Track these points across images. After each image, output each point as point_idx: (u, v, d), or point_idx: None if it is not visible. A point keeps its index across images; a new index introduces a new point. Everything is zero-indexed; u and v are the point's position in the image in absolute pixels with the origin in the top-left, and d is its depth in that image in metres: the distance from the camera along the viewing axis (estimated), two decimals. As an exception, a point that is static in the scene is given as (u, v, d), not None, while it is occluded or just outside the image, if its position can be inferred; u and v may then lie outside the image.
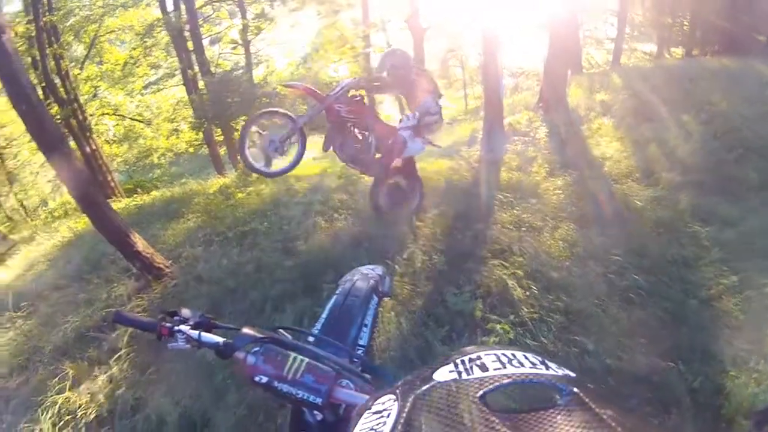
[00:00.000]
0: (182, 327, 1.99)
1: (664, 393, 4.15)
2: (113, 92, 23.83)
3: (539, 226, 6.48)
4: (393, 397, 1.03)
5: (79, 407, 5.30)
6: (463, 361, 1.07)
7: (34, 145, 24.16)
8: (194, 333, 1.94)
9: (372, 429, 0.94)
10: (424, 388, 0.99)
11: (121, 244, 6.93)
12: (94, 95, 23.22)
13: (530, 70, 22.58)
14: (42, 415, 5.26)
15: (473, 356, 1.09)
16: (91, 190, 6.85)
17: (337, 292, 2.54)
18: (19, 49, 15.32)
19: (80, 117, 19.51)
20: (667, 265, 5.74)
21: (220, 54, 22.02)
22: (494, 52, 9.54)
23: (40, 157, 24.79)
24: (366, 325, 2.38)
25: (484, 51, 9.67)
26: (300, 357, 1.72)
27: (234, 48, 20.25)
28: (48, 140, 6.34)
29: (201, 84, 18.43)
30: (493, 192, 7.52)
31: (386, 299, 4.43)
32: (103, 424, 5.19)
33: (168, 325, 2.00)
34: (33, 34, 17.46)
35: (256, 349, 1.77)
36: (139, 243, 7.00)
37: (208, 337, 1.93)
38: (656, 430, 1.13)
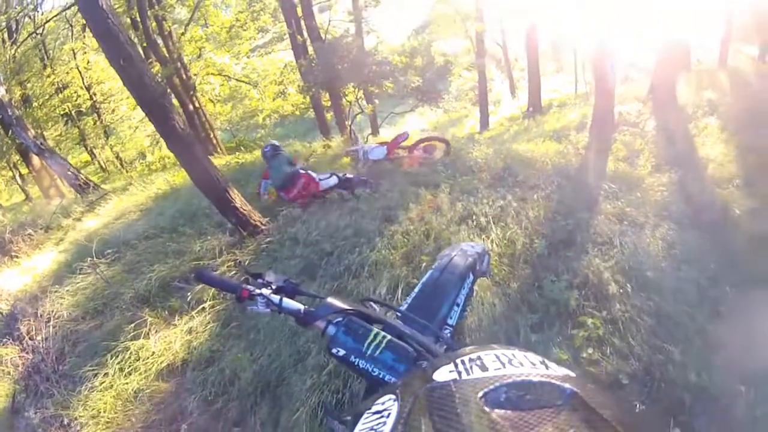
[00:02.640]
0: (264, 291, 1.97)
1: (728, 415, 3.82)
2: (218, 54, 24.14)
3: (641, 222, 6.08)
4: (393, 397, 1.04)
5: (152, 355, 5.24)
6: (463, 361, 1.08)
7: (132, 100, 25.08)
8: (275, 298, 1.93)
9: (372, 429, 0.95)
10: (424, 388, 0.99)
11: (219, 200, 6.92)
12: (199, 56, 23.57)
13: (641, 61, 22.08)
14: (111, 359, 5.24)
15: (473, 356, 1.10)
16: (192, 145, 6.81)
17: (434, 266, 2.47)
18: (117, 10, 15.55)
19: (184, 76, 19.86)
20: (758, 282, 5.39)
21: (330, 21, 21.91)
22: (607, 39, 9.29)
23: (139, 113, 25.51)
24: (458, 304, 2.29)
25: (596, 39, 9.36)
26: (382, 333, 1.69)
27: (351, 18, 20.14)
28: (147, 95, 6.29)
29: (310, 50, 18.30)
30: (599, 181, 7.20)
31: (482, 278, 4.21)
32: (173, 373, 5.14)
33: (250, 287, 1.99)
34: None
35: (338, 320, 1.77)
36: (237, 199, 6.96)
37: (289, 303, 1.92)
38: (656, 429, 1.05)
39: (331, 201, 7.48)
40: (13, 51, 22.27)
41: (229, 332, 5.45)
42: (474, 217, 6.37)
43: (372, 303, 2.01)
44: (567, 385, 0.92)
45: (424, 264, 5.41)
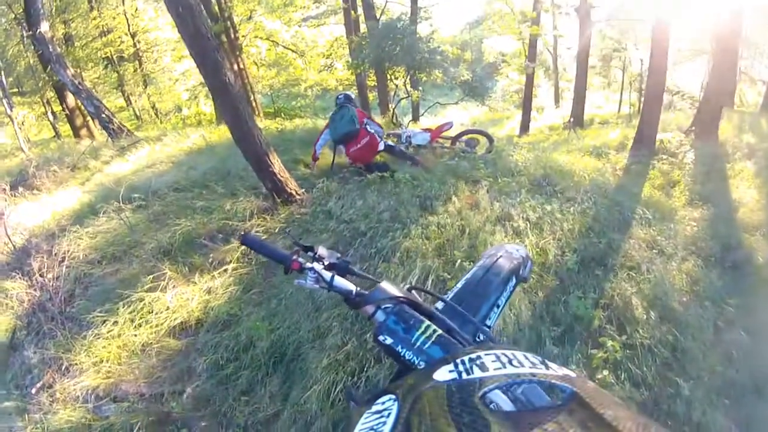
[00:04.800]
0: (315, 265, 1.92)
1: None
2: (269, 18, 24.22)
3: (670, 252, 6.07)
4: (393, 397, 1.03)
5: (166, 309, 5.17)
6: (463, 361, 1.08)
7: (177, 53, 25.01)
8: (327, 274, 1.87)
9: (372, 429, 0.94)
10: (424, 388, 0.99)
11: (258, 162, 6.78)
12: (249, 18, 23.58)
13: (687, 92, 21.99)
14: (122, 308, 5.18)
15: (473, 356, 1.10)
16: (239, 103, 6.63)
17: (478, 264, 2.39)
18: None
19: (232, 36, 19.77)
20: (773, 333, 5.49)
21: (386, 1, 21.81)
22: (662, 65, 9.45)
23: (181, 66, 25.56)
24: (498, 306, 2.21)
25: (651, 64, 9.34)
26: (433, 327, 1.61)
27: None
28: (202, 47, 6.15)
29: (363, 28, 18.27)
30: (634, 205, 7.18)
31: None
32: (186, 332, 5.09)
33: (301, 260, 1.96)
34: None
35: (389, 306, 1.71)
36: (276, 164, 6.86)
37: (341, 282, 1.86)
38: (656, 429, 0.82)
39: (369, 182, 7.31)
40: (61, -12, 22.22)
41: (249, 298, 5.37)
42: (511, 220, 6.28)
43: (417, 291, 1.92)
44: (567, 385, 0.93)
45: (457, 260, 5.31)
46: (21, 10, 17.23)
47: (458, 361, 1.07)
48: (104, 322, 5.08)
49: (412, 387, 1.02)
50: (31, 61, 20.73)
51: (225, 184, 7.93)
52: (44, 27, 15.44)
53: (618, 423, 0.78)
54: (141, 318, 5.09)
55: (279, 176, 6.86)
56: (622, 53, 26.50)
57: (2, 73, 16.54)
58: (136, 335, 4.92)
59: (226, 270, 5.71)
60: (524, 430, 0.76)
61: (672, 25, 10.06)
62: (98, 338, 4.95)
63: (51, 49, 15.49)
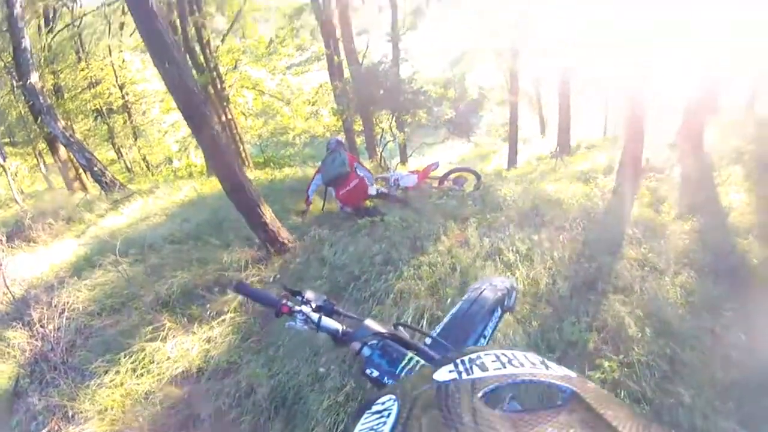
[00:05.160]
0: (304, 308, 2.07)
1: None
2: (254, 67, 24.42)
3: (662, 268, 6.12)
4: (393, 397, 1.03)
5: (167, 359, 5.26)
6: (463, 361, 1.08)
7: (165, 105, 25.11)
8: (315, 316, 2.03)
9: (372, 429, 0.94)
10: (424, 388, 0.99)
11: (250, 213, 6.93)
12: (235, 67, 23.76)
13: (673, 104, 22.02)
14: (124, 358, 5.26)
15: (473, 356, 1.10)
16: (228, 156, 6.84)
17: (464, 298, 2.52)
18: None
19: (218, 86, 19.93)
20: (770, 331, 5.46)
21: (367, 46, 22.01)
22: (641, 84, 9.32)
23: (170, 117, 25.66)
24: (485, 337, 2.33)
25: (628, 84, 9.43)
26: (416, 358, 1.74)
27: (388, 39, 20.23)
28: (189, 100, 6.32)
29: (346, 73, 18.42)
30: (624, 226, 7.25)
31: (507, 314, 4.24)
32: (188, 380, 5.15)
33: (290, 304, 2.09)
34: (173, -1, 17.79)
35: (374, 342, 1.85)
36: (267, 215, 7.00)
37: (328, 322, 2.01)
38: (656, 429, 0.87)
39: (359, 227, 7.44)
40: (48, 39, 22.50)
41: (248, 346, 5.49)
42: (501, 254, 6.40)
43: (403, 327, 2.04)
44: (567, 385, 0.94)
45: (449, 298, 5.40)
46: (10, 59, 17.37)
47: (458, 361, 1.09)
48: (106, 371, 5.17)
49: (412, 387, 1.02)
50: (22, 112, 20.83)
51: (219, 235, 8.08)
52: (34, 78, 15.62)
53: (618, 423, 0.81)
54: (143, 367, 5.17)
55: (271, 226, 7.00)
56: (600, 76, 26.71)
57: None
58: (138, 384, 4.98)
59: (224, 320, 5.82)
60: (524, 430, 0.78)
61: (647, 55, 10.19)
62: (101, 387, 5.01)
63: (42, 101, 15.65)
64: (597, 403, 0.86)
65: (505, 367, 1.01)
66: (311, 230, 7.62)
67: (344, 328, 1.99)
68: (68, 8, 23.24)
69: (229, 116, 19.84)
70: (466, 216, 7.63)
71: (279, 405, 4.60)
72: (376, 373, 1.73)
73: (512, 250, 6.40)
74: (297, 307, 2.07)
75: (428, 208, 8.17)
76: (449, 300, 5.39)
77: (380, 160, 14.73)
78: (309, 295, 2.16)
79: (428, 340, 2.15)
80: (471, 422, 0.80)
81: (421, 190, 9.81)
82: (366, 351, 1.83)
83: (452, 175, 10.56)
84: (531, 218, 7.45)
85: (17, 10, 15.33)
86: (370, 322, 1.89)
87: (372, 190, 8.59)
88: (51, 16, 22.59)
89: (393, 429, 0.88)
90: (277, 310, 2.09)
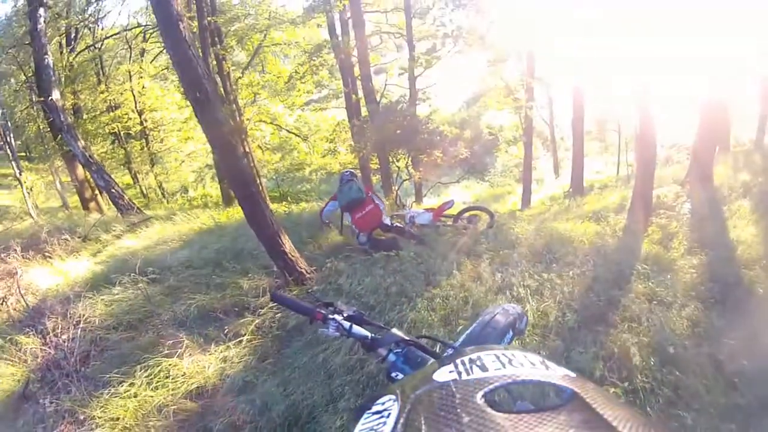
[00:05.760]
0: (336, 316, 2.26)
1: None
2: (273, 102, 24.57)
3: (669, 301, 6.15)
4: (393, 397, 1.03)
5: (183, 375, 5.31)
6: (463, 362, 1.09)
7: (183, 134, 25.22)
8: (346, 324, 2.21)
9: (372, 429, 0.95)
10: (424, 388, 1.00)
11: (270, 242, 7.05)
12: (254, 101, 23.85)
13: (682, 144, 22.00)
14: (140, 371, 5.30)
15: (473, 356, 1.11)
16: (252, 185, 6.97)
17: (477, 321, 2.57)
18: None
19: (237, 119, 20.01)
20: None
21: (385, 85, 22.20)
22: (651, 124, 9.47)
23: (187, 147, 25.76)
24: None
25: (639, 123, 9.52)
26: (438, 364, 1.58)
27: (401, 74, 20.32)
28: (218, 131, 6.50)
29: (363, 111, 18.66)
30: (633, 262, 7.30)
31: (517, 340, 4.30)
32: (202, 396, 5.20)
33: (324, 312, 2.28)
34: (195, 30, 17.82)
35: (399, 350, 1.99)
36: (287, 244, 7.13)
37: (358, 329, 2.20)
38: (656, 429, 0.84)
39: (375, 260, 7.51)
40: (70, 58, 22.78)
41: (264, 367, 5.56)
42: (512, 288, 6.48)
43: (427, 338, 2.21)
44: (567, 385, 0.94)
45: (460, 328, 5.50)
46: (32, 73, 17.66)
47: (458, 361, 1.10)
48: (121, 382, 5.21)
49: (412, 387, 1.03)
50: (41, 128, 21.09)
51: (237, 262, 8.20)
52: (56, 95, 15.85)
53: (618, 423, 0.81)
54: (158, 381, 5.20)
55: (290, 256, 7.11)
56: (616, 115, 26.83)
57: (11, 135, 16.76)
58: (152, 396, 5.01)
59: (241, 341, 5.91)
60: (524, 430, 0.79)
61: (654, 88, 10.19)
62: (115, 397, 5.05)
63: (62, 118, 15.87)
64: (597, 403, 0.87)
65: (505, 368, 1.03)
66: (328, 262, 7.73)
67: (373, 335, 2.15)
68: (90, 30, 23.60)
69: (247, 149, 19.89)
70: (479, 252, 7.71)
71: (292, 423, 4.64)
72: (400, 377, 1.85)
73: (523, 285, 6.51)
74: (330, 315, 2.24)
75: (442, 244, 8.29)
76: (459, 329, 5.49)
77: (396, 198, 14.77)
78: (340, 305, 2.31)
79: (450, 351, 2.07)
80: (471, 422, 0.82)
81: (436, 227, 9.91)
82: (391, 357, 1.98)
83: (466, 214, 10.63)
84: (543, 255, 7.57)
85: (40, 25, 15.51)
86: (396, 331, 2.06)
87: (386, 219, 8.94)
88: (73, 36, 22.93)
89: (393, 429, 0.90)
90: (312, 317, 2.27)
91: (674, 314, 5.85)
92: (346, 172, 9.28)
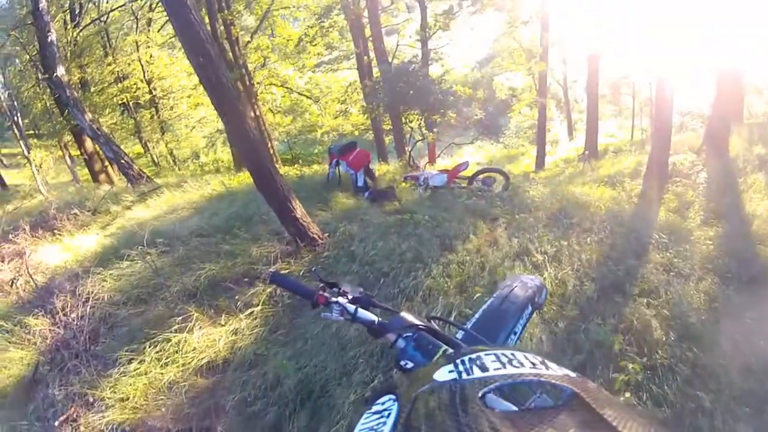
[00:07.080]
0: (340, 299, 2.05)
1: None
2: (283, 65, 24.43)
3: (687, 273, 6.07)
4: (393, 397, 1.09)
5: (193, 350, 5.22)
6: (463, 361, 1.09)
7: (193, 100, 25.21)
8: (351, 307, 2.01)
9: (372, 429, 0.99)
10: (424, 388, 1.00)
11: (280, 208, 6.90)
12: (263, 65, 23.83)
13: (697, 111, 21.83)
14: (149, 348, 5.21)
15: (473, 356, 1.10)
16: (260, 150, 6.86)
17: (495, 295, 2.56)
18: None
19: (247, 83, 20.02)
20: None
21: (397, 45, 21.99)
22: (668, 90, 9.39)
23: (197, 113, 25.73)
24: (515, 333, 2.37)
25: (657, 90, 9.40)
26: (451, 351, 1.67)
27: (417, 38, 20.17)
28: (223, 95, 6.30)
29: (375, 72, 18.53)
30: (650, 230, 7.21)
31: (537, 313, 4.27)
32: (213, 371, 5.10)
33: (326, 295, 2.09)
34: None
35: (409, 334, 1.83)
36: (298, 209, 6.97)
37: (364, 313, 1.99)
38: (656, 429, 0.87)
39: (389, 224, 7.45)
40: (75, 33, 22.79)
41: (275, 338, 5.43)
42: (529, 255, 6.37)
43: (438, 321, 2.13)
44: (567, 385, 0.95)
45: (477, 295, 5.37)
46: (36, 52, 17.63)
47: (458, 361, 1.09)
48: (130, 360, 5.12)
49: (412, 387, 1.04)
50: (48, 104, 21.09)
51: (248, 229, 8.07)
52: (60, 71, 15.79)
53: (618, 423, 0.81)
54: (168, 357, 5.12)
55: (301, 221, 6.96)
56: (630, 79, 26.57)
57: (19, 114, 16.73)
58: (163, 373, 4.93)
59: (252, 312, 5.77)
60: (524, 430, 0.79)
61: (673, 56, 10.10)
62: (124, 375, 4.98)
63: (68, 93, 15.84)
64: (597, 403, 0.88)
65: (505, 367, 1.02)
66: (341, 226, 7.58)
67: (380, 319, 1.97)
68: (95, 4, 23.44)
69: (258, 113, 19.92)
70: (495, 216, 7.62)
71: (305, 398, 4.54)
72: (410, 365, 1.71)
73: (540, 251, 6.44)
74: (333, 299, 2.05)
75: (457, 207, 8.15)
76: (476, 297, 5.37)
77: (409, 159, 14.74)
78: (345, 287, 2.14)
79: (461, 334, 2.15)
80: (471, 422, 0.81)
81: (451, 189, 9.79)
82: (401, 343, 1.82)
83: (481, 176, 10.62)
84: (559, 220, 7.48)
85: (42, 3, 15.46)
86: (406, 314, 1.86)
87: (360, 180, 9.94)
88: (77, 11, 22.82)
89: (393, 429, 0.93)
90: (313, 301, 2.08)
91: (692, 287, 5.76)
92: (334, 145, 10.50)
